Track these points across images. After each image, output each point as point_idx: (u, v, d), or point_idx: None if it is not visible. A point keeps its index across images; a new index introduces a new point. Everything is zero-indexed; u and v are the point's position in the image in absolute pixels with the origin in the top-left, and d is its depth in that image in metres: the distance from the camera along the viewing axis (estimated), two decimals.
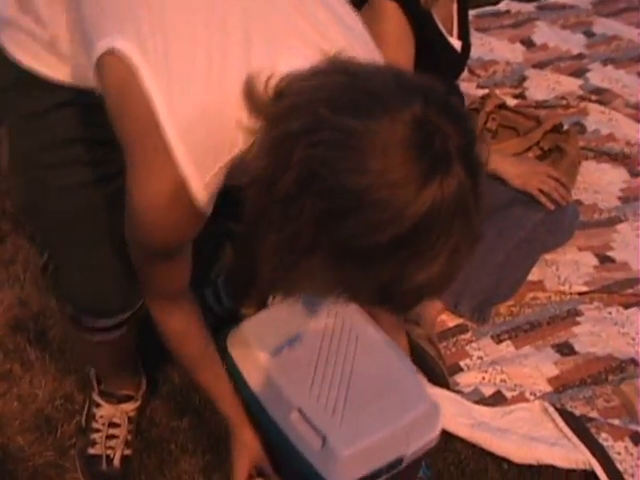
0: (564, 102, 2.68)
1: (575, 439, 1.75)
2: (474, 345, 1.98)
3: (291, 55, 1.00)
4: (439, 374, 1.87)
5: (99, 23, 1.06)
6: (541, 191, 1.97)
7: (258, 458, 1.48)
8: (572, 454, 1.73)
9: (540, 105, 2.64)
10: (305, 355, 1.43)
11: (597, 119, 2.64)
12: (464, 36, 1.91)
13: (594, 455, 1.72)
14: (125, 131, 1.04)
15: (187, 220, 1.06)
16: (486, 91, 2.53)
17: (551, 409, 1.81)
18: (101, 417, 1.74)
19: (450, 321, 2.03)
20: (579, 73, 2.84)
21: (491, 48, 2.93)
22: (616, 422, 1.81)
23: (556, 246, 2.12)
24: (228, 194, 1.05)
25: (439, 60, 1.84)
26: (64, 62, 1.18)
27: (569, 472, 1.73)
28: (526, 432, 1.78)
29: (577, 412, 1.82)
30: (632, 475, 1.70)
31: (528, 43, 2.99)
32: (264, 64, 0.98)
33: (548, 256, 2.14)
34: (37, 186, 1.31)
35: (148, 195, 1.03)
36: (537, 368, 1.93)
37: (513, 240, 1.97)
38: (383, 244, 0.88)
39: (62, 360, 1.91)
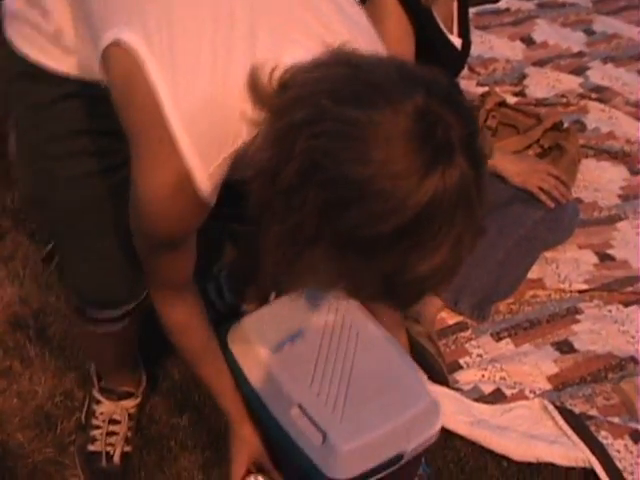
0: (564, 100, 2.67)
1: (575, 437, 1.75)
2: (474, 343, 1.98)
3: (295, 47, 1.00)
4: (439, 372, 1.87)
5: (106, 16, 1.07)
6: (541, 189, 1.97)
7: (257, 454, 1.48)
8: (572, 452, 1.73)
9: (540, 103, 2.64)
10: (306, 351, 1.43)
11: (597, 117, 2.63)
12: (464, 34, 1.91)
13: (594, 453, 1.72)
14: (130, 122, 1.05)
15: (191, 210, 1.07)
16: (486, 89, 2.53)
17: (551, 407, 1.81)
18: (101, 414, 1.74)
19: (450, 319, 2.03)
20: (579, 71, 2.84)
21: (491, 46, 2.92)
22: (616, 420, 1.80)
23: (556, 244, 2.12)
24: (232, 193, 1.05)
25: (439, 58, 1.83)
26: (69, 55, 1.19)
27: (568, 470, 1.73)
28: (525, 430, 1.77)
29: (577, 410, 1.82)
30: (631, 473, 1.70)
31: (528, 41, 2.98)
32: (268, 57, 0.99)
33: (548, 254, 2.14)
34: (44, 177, 1.33)
35: (153, 186, 1.04)
36: (537, 366, 1.93)
37: (513, 238, 1.97)
38: (385, 234, 0.89)
39: (62, 357, 1.91)
